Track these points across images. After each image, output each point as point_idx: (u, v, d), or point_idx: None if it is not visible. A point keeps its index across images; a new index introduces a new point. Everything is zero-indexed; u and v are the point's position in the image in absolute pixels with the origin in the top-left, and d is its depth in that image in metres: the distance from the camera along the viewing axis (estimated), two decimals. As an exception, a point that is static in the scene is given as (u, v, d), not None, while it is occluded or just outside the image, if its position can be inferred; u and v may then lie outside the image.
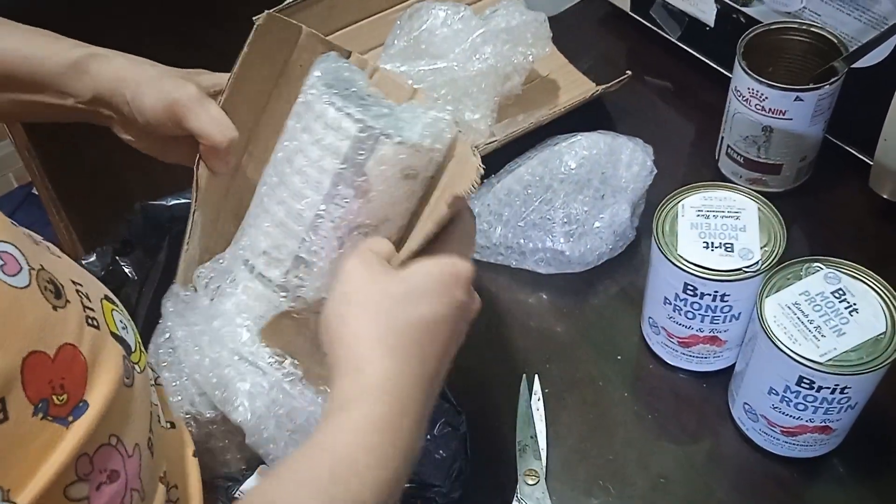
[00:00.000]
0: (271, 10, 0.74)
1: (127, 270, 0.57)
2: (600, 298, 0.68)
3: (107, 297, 0.40)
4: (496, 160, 0.72)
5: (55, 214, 0.91)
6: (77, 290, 0.36)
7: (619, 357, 0.64)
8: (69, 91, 0.52)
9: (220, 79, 0.54)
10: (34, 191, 1.57)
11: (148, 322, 0.55)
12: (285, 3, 0.78)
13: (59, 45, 0.53)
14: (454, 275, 0.42)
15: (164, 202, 0.60)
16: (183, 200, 0.59)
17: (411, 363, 0.40)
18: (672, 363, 0.62)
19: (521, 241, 0.67)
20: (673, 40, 0.84)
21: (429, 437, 0.55)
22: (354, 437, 0.38)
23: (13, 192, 1.72)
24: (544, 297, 0.69)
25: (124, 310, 0.41)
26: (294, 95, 0.50)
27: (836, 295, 0.51)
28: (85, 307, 0.37)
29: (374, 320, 0.41)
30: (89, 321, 0.36)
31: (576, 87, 0.82)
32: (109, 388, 0.35)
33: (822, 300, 0.51)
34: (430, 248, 0.44)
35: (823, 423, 0.52)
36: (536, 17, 0.78)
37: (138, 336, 0.41)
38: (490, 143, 0.73)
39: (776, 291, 0.52)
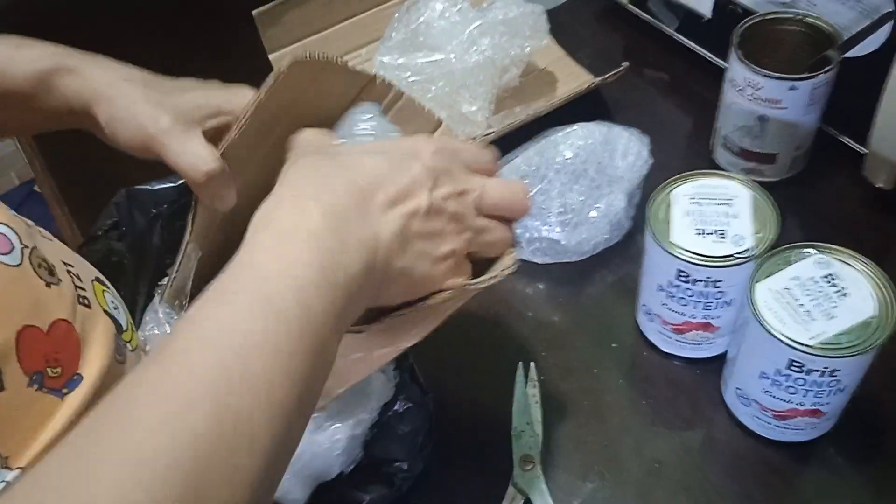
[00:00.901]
0: (266, 9, 0.75)
1: (119, 257, 0.58)
2: (596, 287, 0.69)
3: (97, 279, 0.41)
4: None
5: (57, 209, 0.92)
6: (68, 271, 0.37)
7: (614, 345, 0.65)
8: (41, 106, 0.46)
9: (209, 98, 0.47)
10: (36, 188, 1.58)
11: (145, 307, 0.55)
12: (283, -2, 0.79)
13: (23, 55, 0.46)
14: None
15: (149, 186, 0.59)
16: (168, 185, 0.58)
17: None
18: (666, 350, 0.63)
19: (518, 230, 0.68)
20: (670, 32, 0.84)
21: (390, 413, 0.55)
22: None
23: (16, 189, 1.73)
24: (541, 286, 0.70)
25: (116, 292, 0.42)
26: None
27: (827, 279, 0.52)
28: (77, 287, 0.38)
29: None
30: (81, 300, 0.37)
31: (573, 80, 0.82)
32: (103, 363, 0.36)
33: (812, 285, 0.51)
34: None
35: (814, 407, 0.53)
36: (534, 10, 0.79)
37: (129, 317, 0.42)
38: (487, 134, 0.74)
39: (767, 277, 0.52)
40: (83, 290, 0.38)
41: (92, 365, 0.36)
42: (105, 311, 0.39)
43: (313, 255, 0.33)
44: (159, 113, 0.44)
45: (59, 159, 0.93)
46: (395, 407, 0.55)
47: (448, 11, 0.80)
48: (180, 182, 0.57)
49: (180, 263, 0.47)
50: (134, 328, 0.42)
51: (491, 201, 0.41)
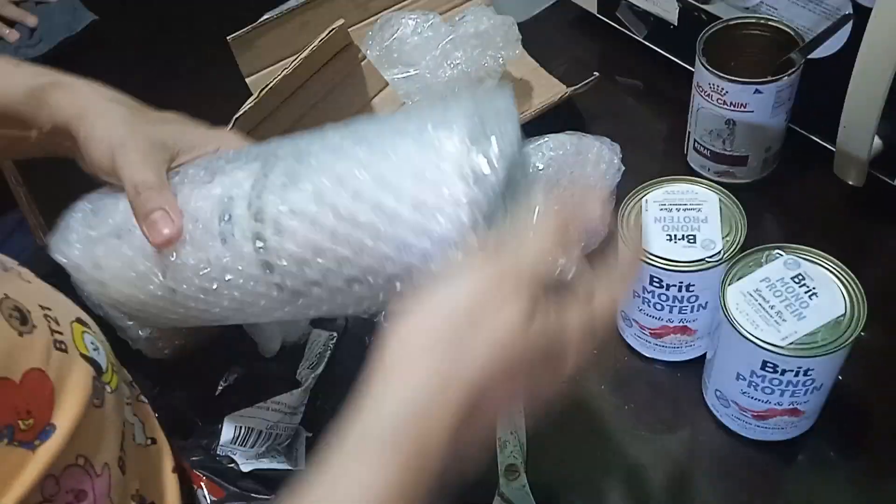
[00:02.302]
0: (240, 34, 0.77)
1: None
2: (575, 295, 0.69)
3: (79, 320, 0.41)
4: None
5: (42, 238, 0.92)
6: (45, 315, 0.37)
7: (594, 351, 0.65)
8: (30, 122, 0.47)
9: (185, 133, 0.47)
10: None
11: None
12: (258, 21, 0.80)
13: (19, 73, 0.48)
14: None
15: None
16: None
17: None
18: (646, 354, 0.63)
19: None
20: (640, 40, 0.85)
21: None
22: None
23: (5, 221, 1.73)
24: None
25: (98, 331, 0.42)
26: None
27: (796, 280, 0.52)
28: (53, 331, 0.37)
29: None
30: (57, 345, 0.37)
31: (547, 90, 0.83)
32: (77, 411, 0.36)
33: (782, 286, 0.52)
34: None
35: (792, 406, 0.53)
36: (504, 21, 0.80)
37: (112, 356, 0.42)
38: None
39: (738, 279, 0.53)
40: (60, 333, 0.38)
41: (66, 414, 0.35)
42: (83, 355, 0.38)
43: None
44: (131, 134, 0.44)
45: (43, 191, 0.93)
46: None
47: (420, 27, 0.81)
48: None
49: None
50: (115, 368, 0.42)
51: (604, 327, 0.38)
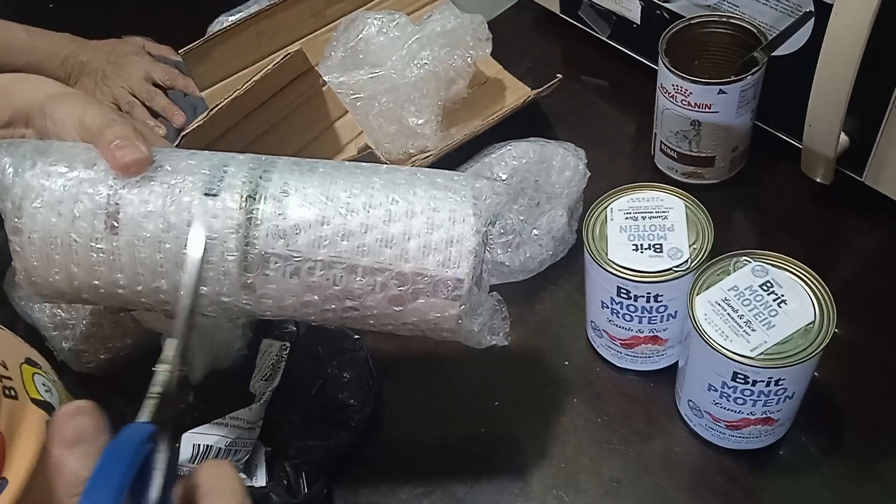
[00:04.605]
0: (193, 47, 0.75)
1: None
2: (545, 305, 0.68)
3: (28, 361, 0.39)
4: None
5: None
6: None
7: (566, 363, 0.64)
8: None
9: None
10: None
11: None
12: (211, 34, 0.78)
13: None
14: None
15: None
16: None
17: None
18: (618, 364, 0.62)
19: (462, 254, 0.67)
20: (604, 39, 0.84)
21: (335, 362, 0.60)
22: None
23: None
24: (491, 307, 0.69)
25: (50, 369, 0.41)
26: None
27: (765, 287, 0.51)
28: (2, 377, 0.36)
29: None
30: (6, 392, 0.35)
31: (512, 93, 0.82)
32: (30, 460, 0.34)
33: (750, 294, 0.51)
34: None
35: (765, 416, 0.52)
36: (473, 20, 0.78)
37: (64, 394, 0.40)
38: (426, 157, 0.73)
39: (706, 289, 0.52)
40: (9, 379, 0.36)
41: (18, 465, 0.34)
42: (35, 400, 0.37)
43: None
44: (98, 105, 0.44)
45: None
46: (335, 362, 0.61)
47: (386, 27, 0.79)
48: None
49: None
50: None
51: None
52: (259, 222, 0.41)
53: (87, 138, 0.42)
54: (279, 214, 0.42)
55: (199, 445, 0.55)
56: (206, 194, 0.41)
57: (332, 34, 0.82)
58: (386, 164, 0.67)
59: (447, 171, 0.48)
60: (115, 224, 0.40)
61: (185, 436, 0.55)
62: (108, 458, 0.29)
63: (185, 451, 0.54)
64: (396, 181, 0.45)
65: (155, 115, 0.84)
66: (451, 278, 0.43)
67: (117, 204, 0.40)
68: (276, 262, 0.42)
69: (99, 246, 0.40)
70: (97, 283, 0.41)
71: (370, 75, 0.77)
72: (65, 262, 0.40)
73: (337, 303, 0.44)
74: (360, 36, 0.79)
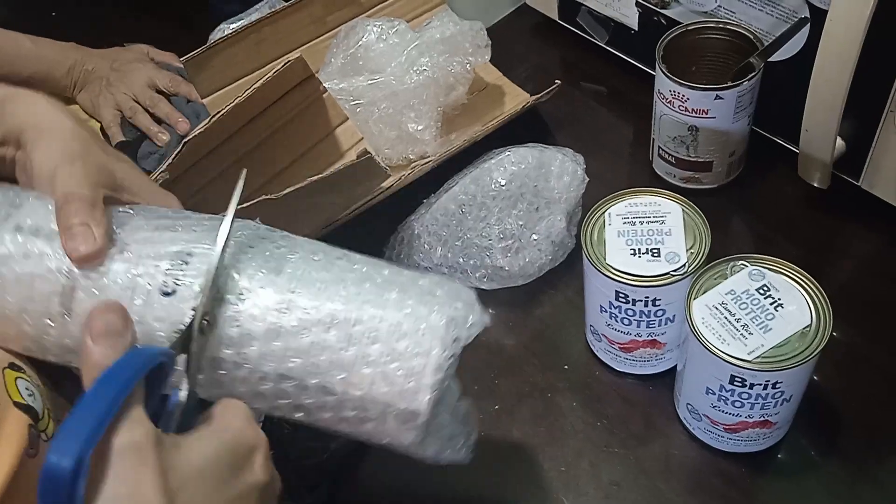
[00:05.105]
0: (194, 55, 0.75)
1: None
2: (544, 309, 0.68)
3: (11, 366, 0.39)
4: (433, 179, 0.72)
5: None
6: None
7: (566, 367, 0.65)
8: None
9: (125, 172, 0.46)
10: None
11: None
12: (213, 42, 0.78)
13: None
14: (249, 448, 0.37)
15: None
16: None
17: None
18: (617, 368, 0.62)
19: (461, 259, 0.67)
20: (602, 45, 0.84)
21: None
22: None
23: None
24: (490, 311, 0.68)
25: (34, 374, 0.41)
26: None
27: (761, 291, 0.52)
28: None
29: None
30: None
31: (511, 99, 0.82)
32: (11, 465, 0.34)
33: (747, 298, 0.51)
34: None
35: (763, 419, 0.53)
36: (472, 26, 0.79)
37: (48, 400, 0.40)
38: (426, 162, 0.74)
39: (704, 293, 0.52)
40: None
41: None
42: (17, 403, 0.37)
43: None
44: (82, 151, 0.42)
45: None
46: None
47: (385, 34, 0.80)
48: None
49: None
50: (51, 413, 0.40)
51: None
52: (212, 328, 0.39)
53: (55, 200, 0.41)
54: (234, 321, 0.39)
55: None
56: (162, 293, 0.39)
57: (332, 41, 0.83)
58: (386, 168, 0.67)
59: (434, 279, 0.44)
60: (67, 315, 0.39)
61: None
62: (126, 358, 0.34)
63: None
64: (365, 295, 0.41)
65: (158, 121, 0.84)
66: (405, 410, 0.40)
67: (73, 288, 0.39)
68: (226, 367, 0.40)
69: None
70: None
71: (370, 82, 0.78)
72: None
73: (287, 410, 0.42)
74: (360, 43, 0.80)
